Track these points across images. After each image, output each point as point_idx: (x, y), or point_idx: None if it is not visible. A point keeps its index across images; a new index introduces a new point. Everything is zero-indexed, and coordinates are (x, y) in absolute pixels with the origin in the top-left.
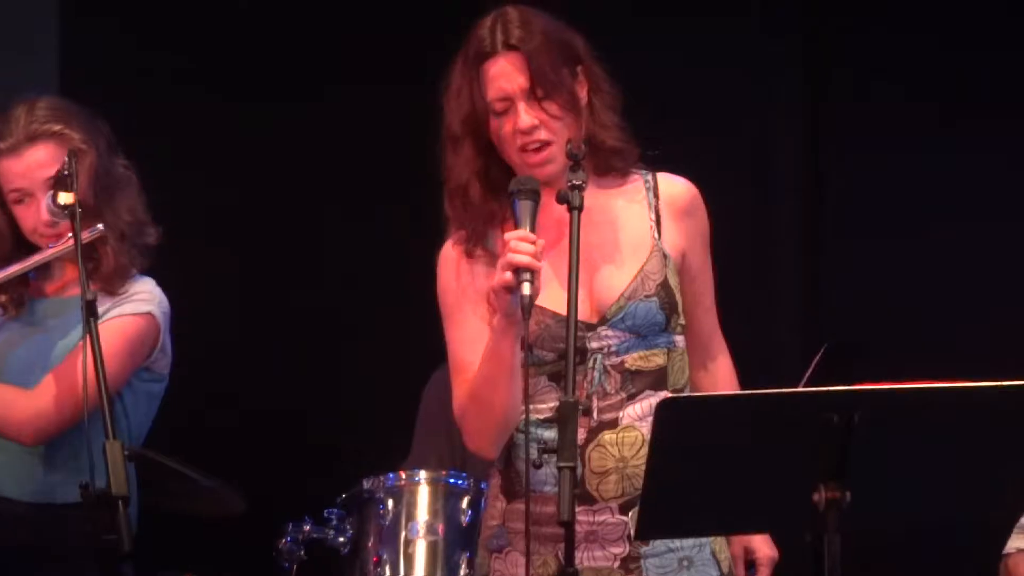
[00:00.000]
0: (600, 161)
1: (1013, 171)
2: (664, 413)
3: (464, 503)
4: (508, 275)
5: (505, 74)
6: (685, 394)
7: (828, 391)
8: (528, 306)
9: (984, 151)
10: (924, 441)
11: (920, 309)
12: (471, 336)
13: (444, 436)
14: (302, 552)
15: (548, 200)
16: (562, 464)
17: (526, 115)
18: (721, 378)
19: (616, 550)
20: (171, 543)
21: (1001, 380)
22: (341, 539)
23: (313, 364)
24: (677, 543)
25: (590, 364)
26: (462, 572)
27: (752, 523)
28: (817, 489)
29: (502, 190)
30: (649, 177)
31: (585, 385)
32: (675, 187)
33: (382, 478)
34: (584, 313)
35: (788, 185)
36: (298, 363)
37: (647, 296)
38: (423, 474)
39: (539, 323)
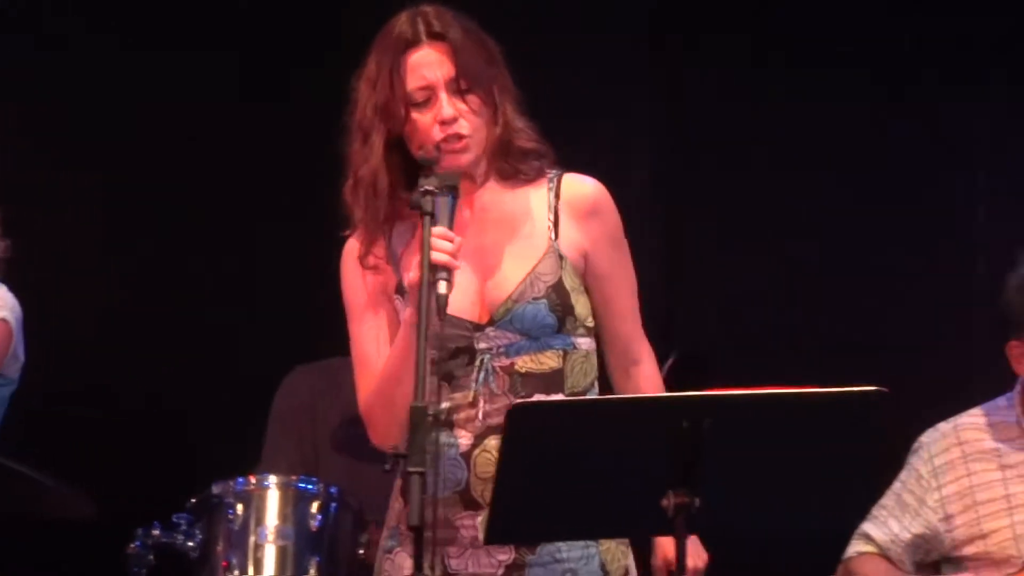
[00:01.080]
0: (509, 163)
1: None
2: (515, 418)
3: (314, 508)
4: (412, 273)
5: (429, 63)
6: (536, 399)
7: (678, 397)
8: (443, 304)
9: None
10: (772, 446)
11: (771, 318)
12: (375, 332)
13: (295, 441)
14: (151, 557)
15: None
16: (411, 469)
17: (448, 105)
18: (642, 382)
19: (502, 557)
20: (18, 548)
21: (847, 387)
22: (190, 544)
23: (167, 367)
24: (564, 553)
25: (477, 364)
26: None
27: (603, 529)
28: (667, 494)
29: (408, 185)
30: (554, 178)
31: (471, 385)
32: (578, 187)
33: (231, 482)
34: (473, 313)
35: (643, 194)
36: (153, 366)
37: (535, 298)
38: (273, 478)
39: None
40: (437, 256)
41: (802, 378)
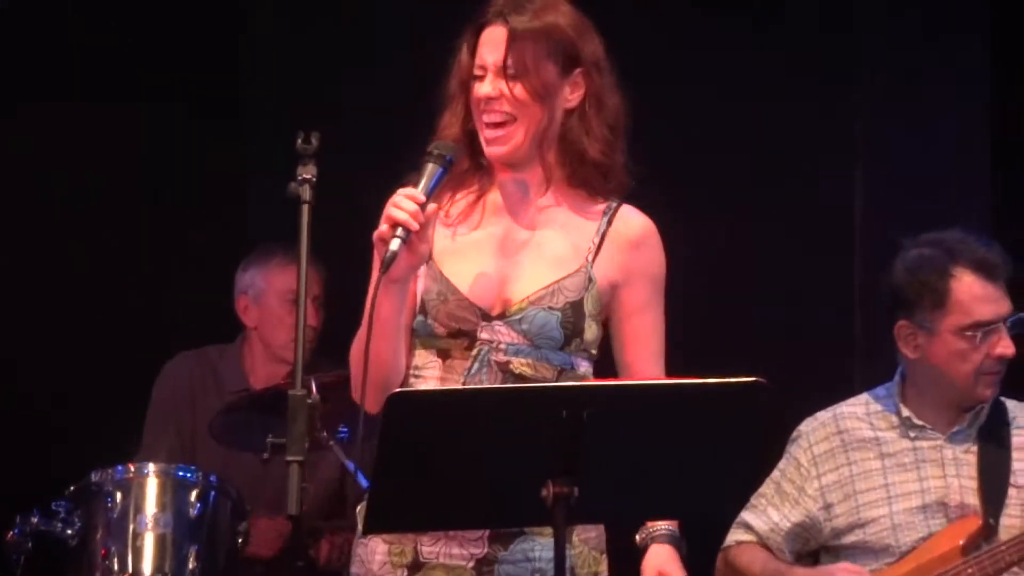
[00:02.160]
0: (577, 169)
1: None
2: (393, 406)
3: (193, 496)
4: (385, 227)
5: (490, 43)
6: (411, 389)
7: (558, 387)
8: (388, 261)
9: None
10: (652, 436)
11: None
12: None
13: (174, 429)
14: (30, 544)
15: (505, 181)
16: (290, 458)
17: (489, 84)
18: None
19: (474, 550)
20: None
21: (726, 377)
22: (69, 531)
23: (47, 353)
24: (536, 553)
25: (474, 352)
26: (190, 565)
27: (482, 519)
28: (546, 485)
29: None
30: (614, 206)
31: (461, 371)
32: (631, 220)
33: (110, 470)
34: (487, 302)
35: None
36: (32, 352)
37: (551, 308)
38: (152, 467)
39: (440, 295)
40: (395, 213)
41: (682, 368)
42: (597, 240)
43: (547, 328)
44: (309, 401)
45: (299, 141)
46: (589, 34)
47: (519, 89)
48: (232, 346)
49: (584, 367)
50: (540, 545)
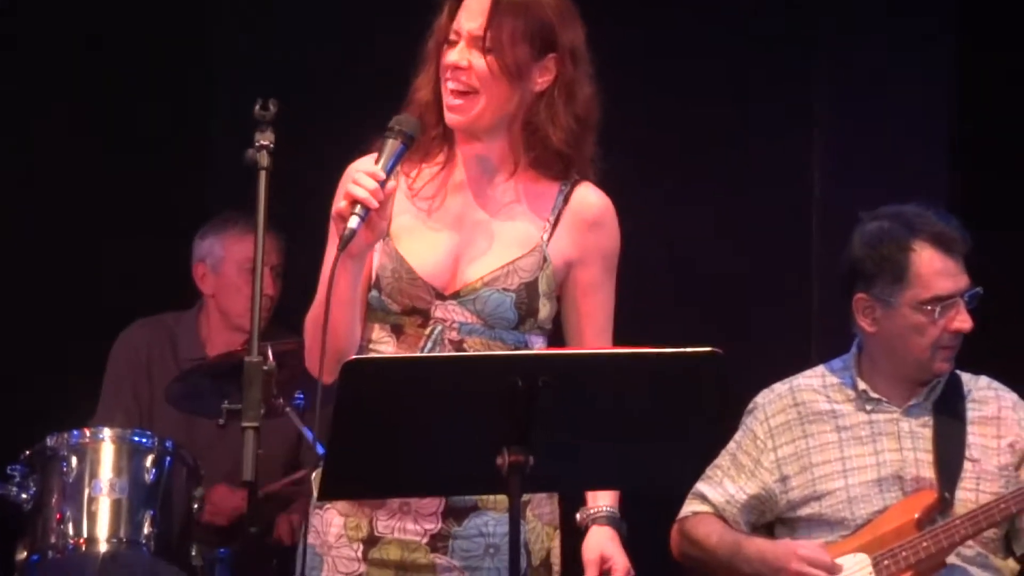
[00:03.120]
0: (540, 155)
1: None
2: (349, 374)
3: (148, 461)
4: (344, 204)
5: (471, 9)
6: (368, 356)
7: (514, 355)
8: (347, 239)
9: None
10: (607, 405)
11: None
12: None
13: (130, 394)
14: None
15: (468, 156)
16: (245, 424)
17: (458, 53)
18: None
19: (428, 526)
20: None
21: (682, 347)
22: (24, 496)
23: (3, 319)
24: (491, 528)
25: (427, 331)
26: (146, 530)
27: (438, 487)
28: (501, 452)
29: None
30: (570, 183)
31: (415, 347)
32: (588, 199)
33: (66, 435)
34: (441, 281)
35: None
36: None
37: (505, 289)
38: (107, 431)
39: (395, 273)
40: (355, 190)
41: (640, 340)
42: (552, 219)
43: (501, 309)
44: (265, 368)
45: (257, 108)
46: (571, 21)
47: (489, 62)
48: (189, 313)
49: (538, 343)
50: (494, 520)
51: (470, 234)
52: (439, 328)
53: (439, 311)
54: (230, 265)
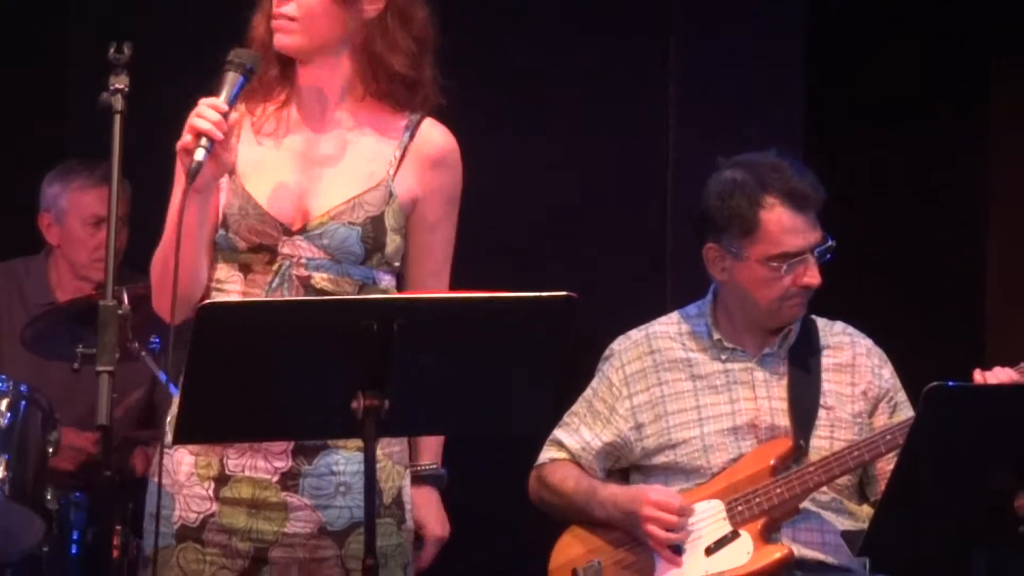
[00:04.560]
0: (381, 82)
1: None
2: (204, 317)
3: (3, 405)
4: (188, 138)
5: None
6: (223, 299)
7: (369, 299)
8: (194, 171)
9: None
10: (463, 350)
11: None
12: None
13: None
14: None
15: (307, 91)
16: (100, 368)
17: None
18: None
19: (278, 464)
20: None
21: (537, 292)
22: None
23: None
24: (341, 467)
25: (275, 267)
26: (0, 474)
27: (293, 431)
28: (356, 396)
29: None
30: (415, 119)
31: (263, 285)
32: (433, 137)
33: None
34: (287, 216)
35: None
36: None
37: (351, 223)
38: None
39: (241, 210)
40: (199, 123)
41: (494, 284)
42: (399, 154)
43: (347, 243)
44: (120, 312)
45: (111, 51)
46: None
47: None
48: (37, 258)
49: (386, 280)
50: (344, 458)
51: (315, 169)
52: (286, 264)
53: (286, 247)
54: (73, 219)
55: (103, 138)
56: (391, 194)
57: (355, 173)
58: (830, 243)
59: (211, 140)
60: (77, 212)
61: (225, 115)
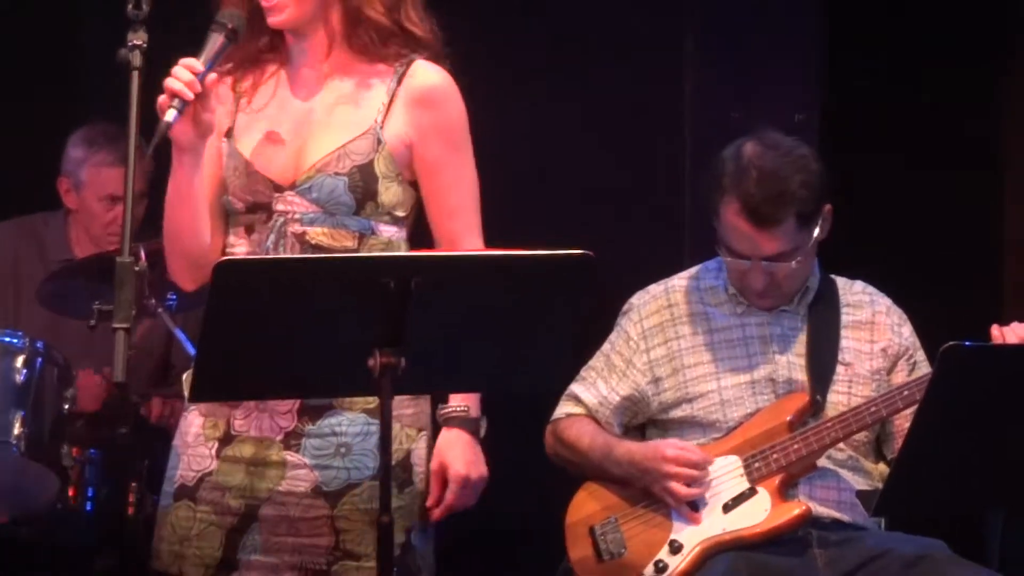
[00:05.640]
0: (360, 35)
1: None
2: (220, 276)
3: (19, 362)
4: (162, 97)
5: None
6: (242, 256)
7: (385, 257)
8: (163, 131)
9: None
10: (479, 308)
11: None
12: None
13: None
14: None
15: (293, 51)
16: (116, 325)
17: None
18: None
19: (283, 424)
20: None
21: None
22: None
23: None
24: (343, 428)
25: (271, 225)
26: (16, 431)
27: (310, 388)
28: (372, 354)
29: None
30: (406, 63)
31: (264, 244)
32: (421, 75)
33: None
34: (277, 173)
35: None
36: None
37: (337, 173)
38: None
39: (236, 170)
40: (171, 83)
41: (514, 241)
42: (387, 100)
43: (336, 194)
44: (136, 268)
45: (130, 6)
46: None
47: None
48: (58, 214)
49: (389, 232)
50: (348, 420)
51: (303, 125)
52: (281, 221)
53: (280, 204)
54: (91, 193)
55: (122, 95)
56: (379, 141)
57: (341, 124)
58: (791, 265)
59: (183, 100)
60: (95, 188)
61: (201, 76)
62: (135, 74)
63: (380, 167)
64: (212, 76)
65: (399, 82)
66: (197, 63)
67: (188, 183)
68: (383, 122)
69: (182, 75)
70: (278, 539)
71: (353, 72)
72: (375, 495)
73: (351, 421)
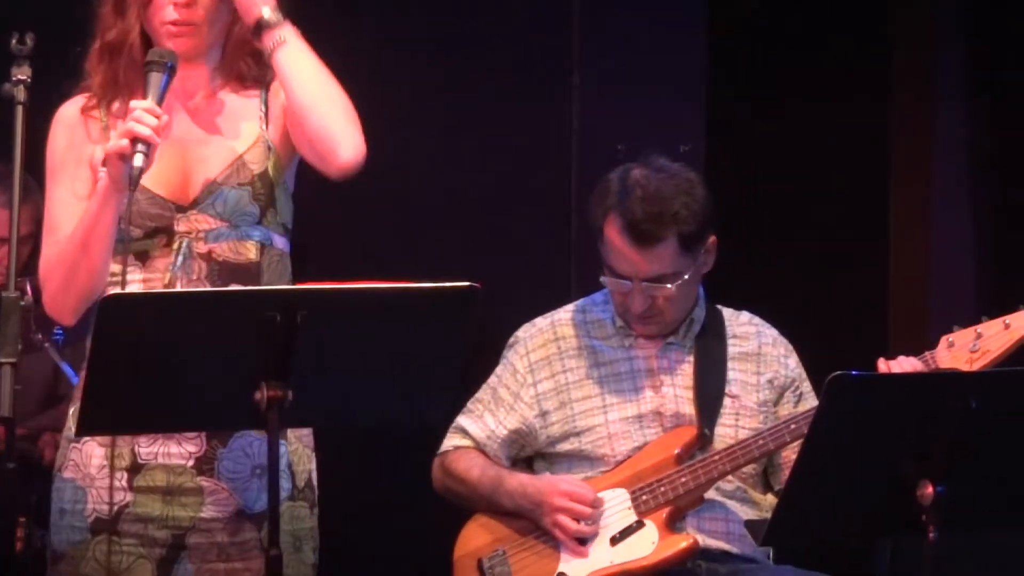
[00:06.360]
0: (240, 64)
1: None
2: (105, 310)
3: None
4: (125, 143)
5: None
6: (125, 291)
7: (271, 290)
8: (136, 178)
9: None
10: (366, 340)
11: (358, 212)
12: (70, 198)
13: None
14: None
15: (182, 77)
16: (2, 360)
17: None
18: None
19: (192, 448)
20: None
21: (440, 282)
22: None
23: None
24: (255, 449)
25: (175, 247)
26: None
27: (197, 422)
28: (259, 387)
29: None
30: (267, 82)
31: (164, 269)
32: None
33: None
34: (177, 193)
35: None
36: None
37: (240, 184)
38: None
39: (130, 198)
40: (138, 128)
41: (400, 273)
42: (263, 108)
43: (241, 204)
44: (22, 303)
45: (13, 41)
46: None
47: None
48: None
49: (281, 243)
50: (258, 441)
51: (194, 146)
52: (186, 242)
53: (182, 224)
54: None
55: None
56: (269, 147)
57: (231, 137)
58: (671, 288)
59: (148, 144)
60: None
61: (159, 117)
62: (19, 109)
63: (273, 173)
64: (165, 117)
65: (267, 89)
66: (155, 106)
67: (110, 223)
68: (267, 129)
69: (148, 120)
70: (209, 566)
71: (229, 90)
72: (295, 515)
73: (261, 442)
